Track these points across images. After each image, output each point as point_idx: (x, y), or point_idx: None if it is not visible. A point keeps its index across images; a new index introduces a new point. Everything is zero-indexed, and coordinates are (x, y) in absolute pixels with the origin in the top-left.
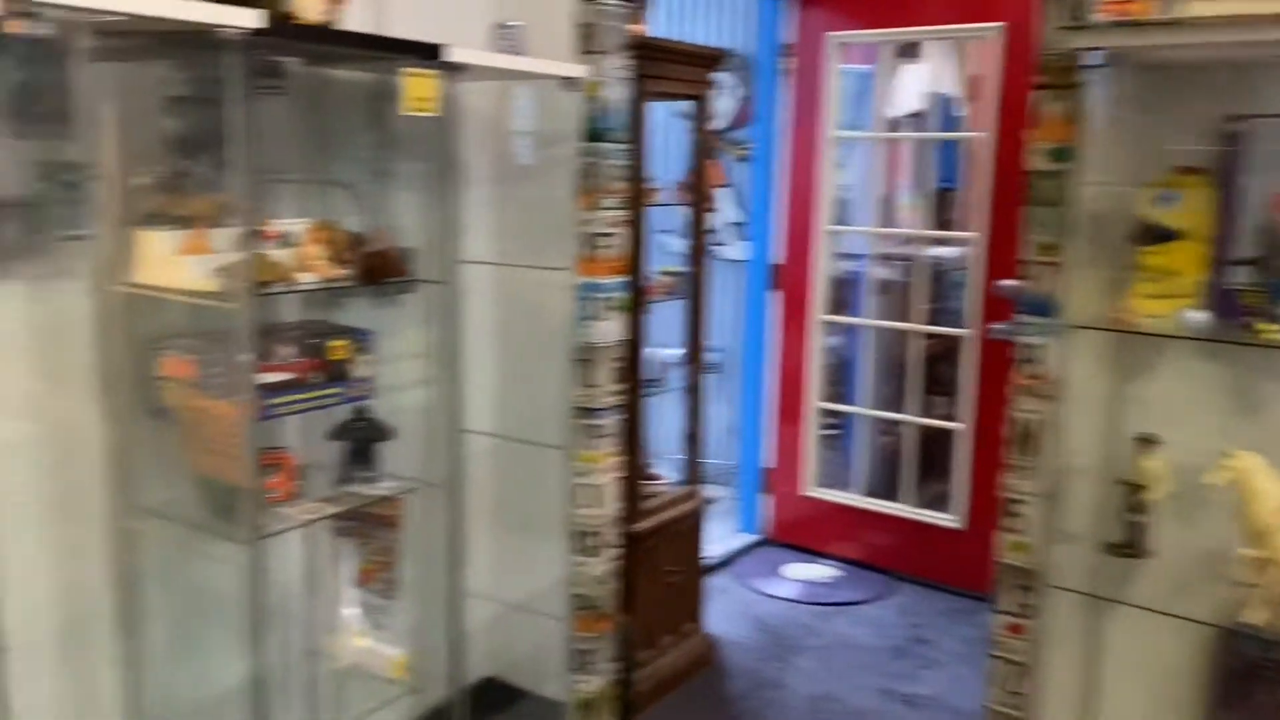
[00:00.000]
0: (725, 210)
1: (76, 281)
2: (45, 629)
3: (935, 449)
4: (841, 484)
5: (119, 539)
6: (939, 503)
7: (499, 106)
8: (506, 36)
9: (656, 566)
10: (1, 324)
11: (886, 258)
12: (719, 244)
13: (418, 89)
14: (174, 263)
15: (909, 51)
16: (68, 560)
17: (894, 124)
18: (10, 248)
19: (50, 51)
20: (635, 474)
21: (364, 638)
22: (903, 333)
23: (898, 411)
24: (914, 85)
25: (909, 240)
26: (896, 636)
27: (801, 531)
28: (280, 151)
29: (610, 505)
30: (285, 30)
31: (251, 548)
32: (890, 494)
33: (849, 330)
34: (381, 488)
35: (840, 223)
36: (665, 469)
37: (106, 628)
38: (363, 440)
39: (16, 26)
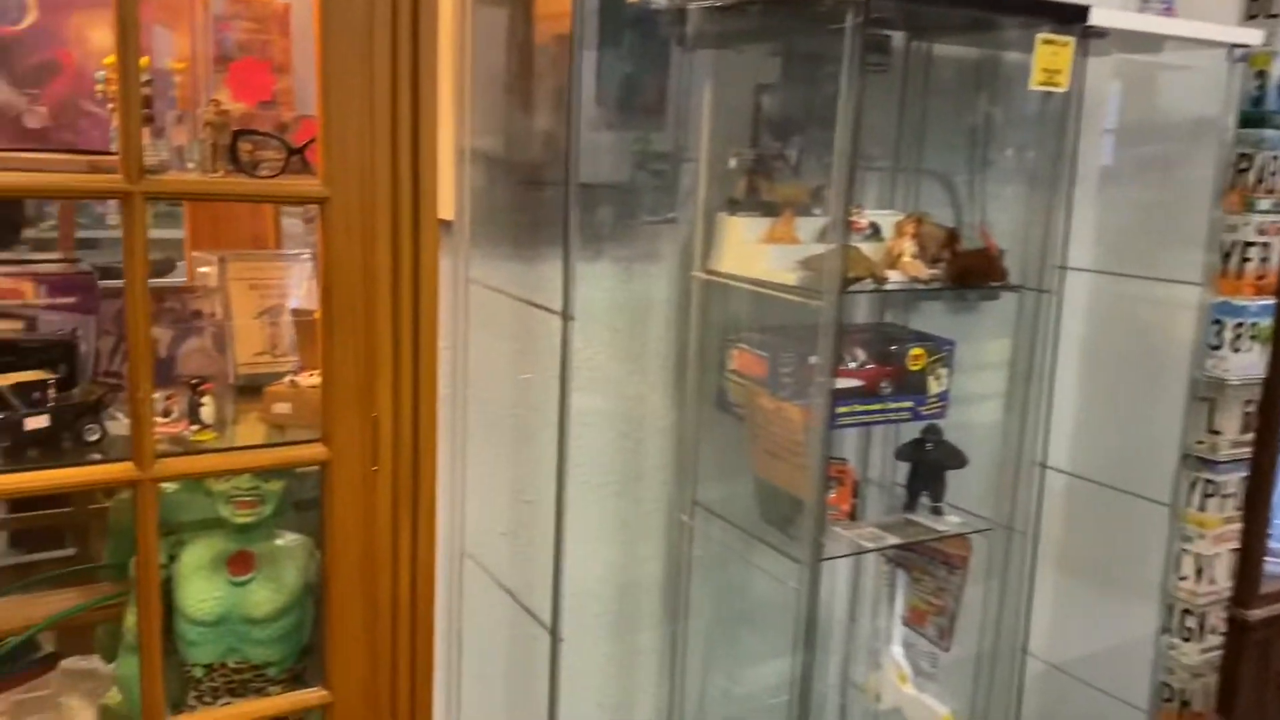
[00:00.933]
0: None
1: (660, 265)
2: (597, 610)
3: None
4: None
5: (672, 530)
6: None
7: (1107, 84)
8: None
9: (1269, 665)
10: (591, 301)
11: None
12: None
13: (1051, 59)
14: (756, 251)
15: None
16: (623, 543)
17: None
18: (604, 230)
19: (653, 41)
20: (1254, 547)
21: (908, 683)
22: None
23: None
24: None
25: None
26: None
27: None
28: (871, 136)
29: (1220, 582)
30: None
31: (809, 569)
32: None
33: None
34: (949, 522)
35: None
36: None
37: (652, 618)
38: (932, 465)
39: None
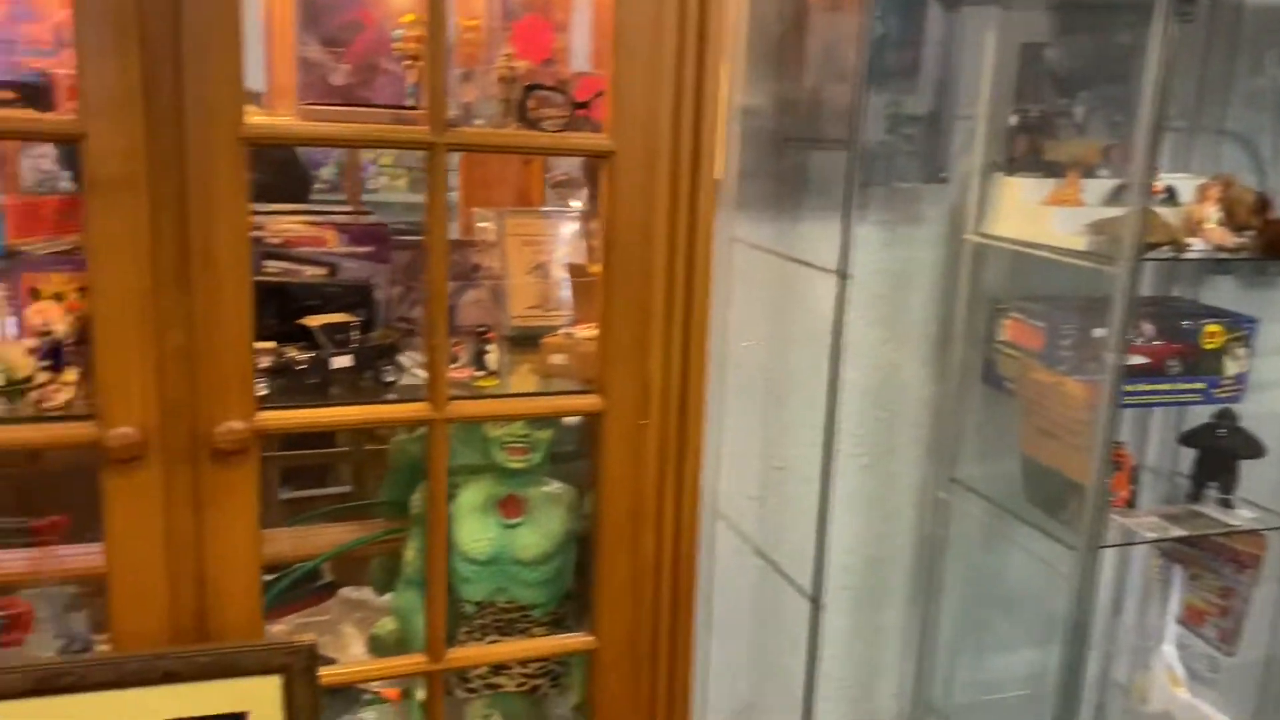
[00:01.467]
0: None
1: (925, 228)
2: (846, 580)
3: None
4: None
5: (926, 506)
6: None
7: None
8: None
9: None
10: (852, 265)
11: None
12: None
13: None
14: (1038, 214)
15: None
16: (874, 517)
17: None
18: (867, 191)
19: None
20: None
21: (1182, 687)
22: None
23: None
24: None
25: None
26: None
27: None
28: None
29: None
30: None
31: (1084, 556)
32: None
33: None
34: (1241, 517)
35: None
36: None
37: (899, 594)
38: (1224, 453)
39: None
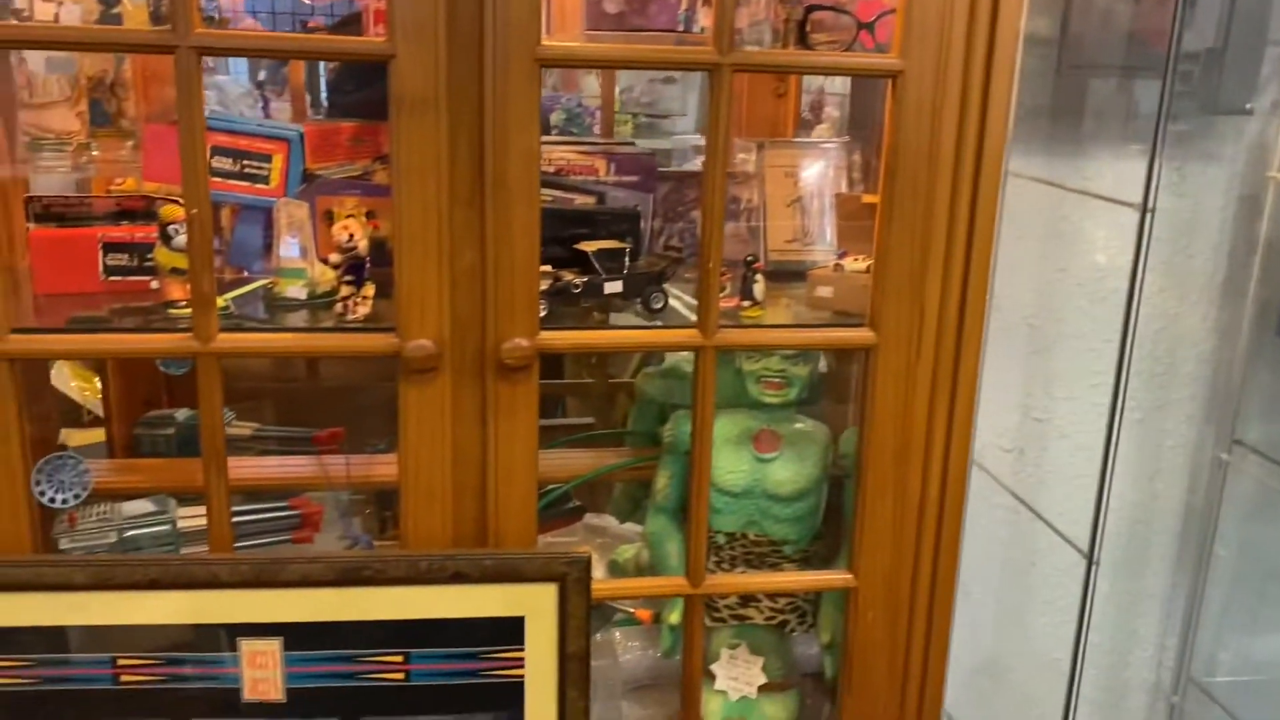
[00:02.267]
0: None
1: (1218, 166)
2: (1107, 541)
3: None
4: None
5: (1200, 470)
6: None
7: None
8: None
9: None
10: (1131, 204)
11: None
12: None
13: None
14: None
15: None
16: (1138, 476)
17: None
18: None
19: None
20: None
21: None
22: None
23: None
24: None
25: None
26: None
27: None
28: None
29: None
30: None
31: None
32: None
33: None
34: None
35: None
36: None
37: (1161, 560)
38: None
39: None
